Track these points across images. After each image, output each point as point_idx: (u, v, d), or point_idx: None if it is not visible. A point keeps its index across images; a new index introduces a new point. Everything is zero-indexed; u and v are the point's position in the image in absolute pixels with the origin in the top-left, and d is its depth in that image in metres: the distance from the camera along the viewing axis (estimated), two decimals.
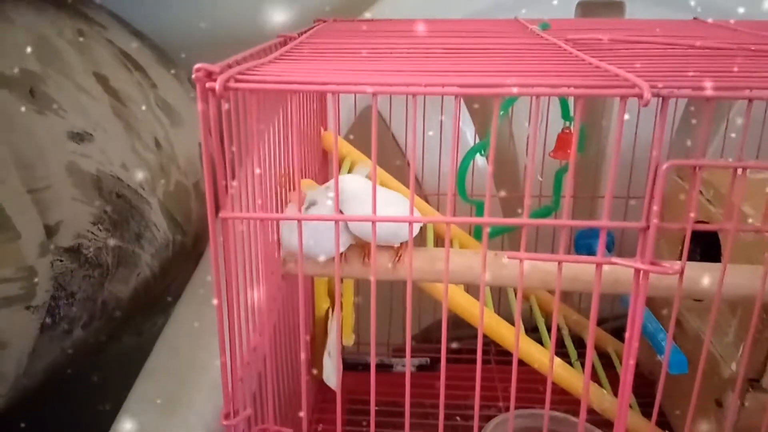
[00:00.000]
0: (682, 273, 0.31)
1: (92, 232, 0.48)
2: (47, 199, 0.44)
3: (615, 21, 0.68)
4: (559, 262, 0.33)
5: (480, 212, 0.65)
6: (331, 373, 0.56)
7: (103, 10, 0.73)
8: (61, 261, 0.46)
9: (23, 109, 0.44)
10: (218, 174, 0.32)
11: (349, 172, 0.65)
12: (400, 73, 0.34)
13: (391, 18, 0.76)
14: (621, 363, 0.67)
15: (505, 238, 0.80)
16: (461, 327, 0.56)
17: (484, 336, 0.53)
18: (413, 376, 0.76)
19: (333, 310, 0.63)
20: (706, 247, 0.60)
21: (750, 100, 0.29)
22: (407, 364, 0.36)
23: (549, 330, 0.62)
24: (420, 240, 0.55)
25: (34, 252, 0.43)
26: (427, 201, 0.77)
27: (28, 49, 0.48)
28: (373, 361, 0.35)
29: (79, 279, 0.48)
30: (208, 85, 0.30)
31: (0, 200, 0.40)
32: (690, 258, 0.65)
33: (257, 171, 0.34)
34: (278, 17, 0.86)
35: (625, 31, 0.55)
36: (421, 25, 0.62)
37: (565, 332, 0.69)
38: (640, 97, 0.29)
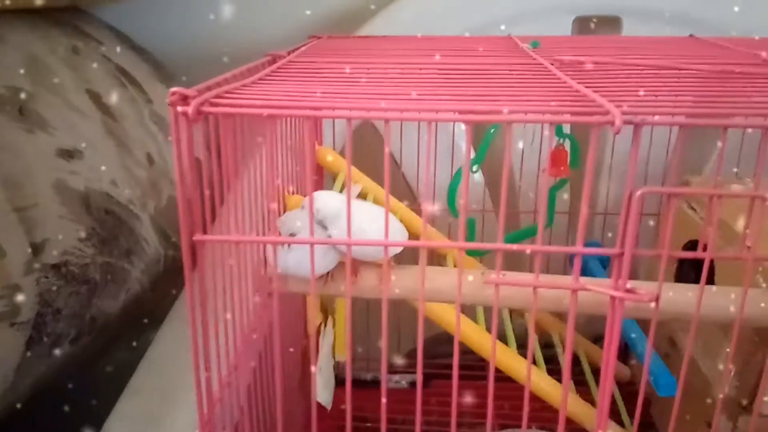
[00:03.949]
0: (657, 300, 0.31)
1: (79, 249, 0.49)
2: (34, 217, 0.44)
3: (608, 38, 0.68)
4: (535, 288, 0.32)
5: (471, 228, 0.64)
6: (322, 390, 0.56)
7: (101, 24, 0.74)
8: (46, 278, 0.46)
9: (12, 127, 0.45)
10: (192, 197, 0.32)
11: (342, 188, 0.65)
12: (380, 97, 0.34)
13: (386, 33, 0.76)
14: (615, 382, 0.67)
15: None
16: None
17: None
18: (405, 392, 0.76)
19: (325, 326, 0.63)
20: (699, 268, 0.59)
21: (725, 129, 0.29)
22: (383, 383, 0.36)
23: (544, 347, 0.61)
24: (412, 253, 0.54)
25: (20, 270, 0.43)
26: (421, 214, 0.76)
27: (19, 68, 0.48)
28: (348, 380, 0.35)
29: (66, 295, 0.48)
30: (180, 109, 0.30)
31: None
32: (685, 279, 0.65)
33: (237, 193, 0.35)
34: (274, 31, 0.87)
35: (615, 50, 0.55)
36: (413, 43, 0.62)
37: (559, 350, 0.69)
38: (611, 124, 0.29)
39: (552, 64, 0.45)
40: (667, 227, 0.30)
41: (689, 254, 0.32)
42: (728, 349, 0.53)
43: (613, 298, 0.31)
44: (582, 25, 0.80)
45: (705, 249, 0.31)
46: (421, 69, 0.45)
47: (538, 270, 0.32)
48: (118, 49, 0.70)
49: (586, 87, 0.35)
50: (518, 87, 0.39)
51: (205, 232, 0.32)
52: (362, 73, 0.41)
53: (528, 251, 0.31)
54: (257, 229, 0.41)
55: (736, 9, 0.76)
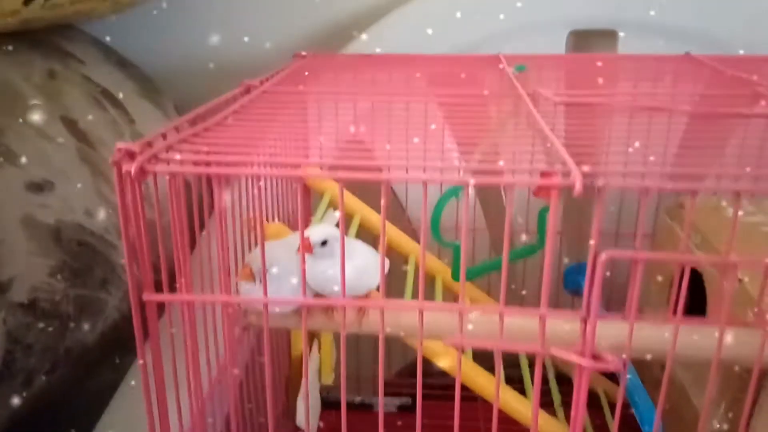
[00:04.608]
0: (625, 366, 0.29)
1: (49, 284, 0.48)
2: (0, 255, 0.43)
3: (598, 59, 0.66)
4: (496, 349, 0.31)
5: (457, 253, 0.63)
6: (305, 414, 0.55)
7: (85, 38, 0.72)
8: (14, 316, 0.45)
9: None
10: (140, 257, 0.31)
11: (328, 207, 0.64)
12: (337, 149, 0.33)
13: (379, 46, 0.75)
14: (609, 405, 0.65)
15: (492, 277, 0.78)
16: None
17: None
18: (395, 416, 0.75)
19: (311, 350, 0.62)
20: (694, 291, 0.58)
21: (693, 194, 0.27)
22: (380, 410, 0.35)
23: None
24: (396, 280, 0.53)
25: None
26: (411, 233, 0.75)
27: None
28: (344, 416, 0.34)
29: (36, 331, 0.48)
30: (124, 169, 0.29)
31: None
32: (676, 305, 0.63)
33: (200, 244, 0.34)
34: (262, 46, 0.86)
35: (600, 76, 0.53)
36: (396, 66, 0.60)
37: (551, 374, 0.67)
38: (572, 187, 0.27)
39: (529, 97, 0.44)
40: (634, 291, 0.29)
41: (651, 318, 0.30)
42: (720, 386, 0.52)
43: (579, 366, 0.30)
44: (577, 39, 0.78)
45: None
46: (396, 99, 0.44)
47: (502, 332, 0.31)
48: (102, 66, 0.69)
49: (557, 134, 0.34)
50: (491, 131, 0.37)
51: (161, 288, 0.31)
52: (334, 106, 0.40)
53: (496, 313, 0.30)
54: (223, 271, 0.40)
55: (733, 24, 0.74)
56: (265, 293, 0.32)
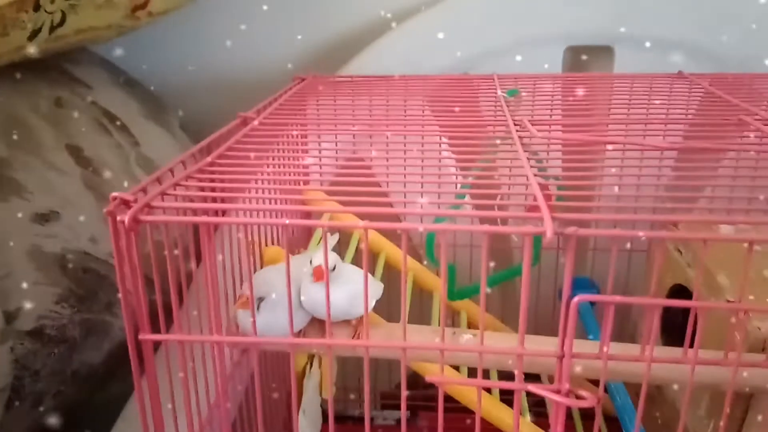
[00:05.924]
0: (599, 402, 0.31)
1: (56, 311, 0.50)
2: (7, 287, 0.45)
3: (594, 77, 0.67)
4: (478, 388, 0.32)
5: (452, 275, 0.64)
6: (310, 430, 0.56)
7: (92, 59, 0.74)
8: (22, 344, 0.47)
9: None
10: (135, 301, 0.32)
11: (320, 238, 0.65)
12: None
13: (376, 66, 0.76)
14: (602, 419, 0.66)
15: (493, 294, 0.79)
16: None
17: None
18: (394, 429, 0.77)
19: (311, 367, 0.63)
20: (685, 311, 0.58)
21: (662, 240, 0.28)
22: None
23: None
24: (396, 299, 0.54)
25: None
26: (410, 251, 0.76)
27: None
28: None
29: (44, 357, 0.49)
30: (119, 218, 0.30)
31: None
32: (672, 317, 0.63)
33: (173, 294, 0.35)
34: (266, 65, 0.88)
35: (593, 99, 0.54)
36: (393, 88, 0.62)
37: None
38: (543, 235, 0.28)
39: (517, 130, 0.45)
40: (606, 333, 0.30)
41: (625, 356, 0.32)
42: (708, 403, 0.52)
43: (555, 402, 0.31)
44: (574, 54, 0.79)
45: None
46: (388, 137, 0.45)
47: (481, 372, 0.32)
48: (108, 89, 0.71)
49: (538, 175, 0.35)
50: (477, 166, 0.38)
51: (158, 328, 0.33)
52: (331, 146, 0.41)
53: (477, 351, 0.31)
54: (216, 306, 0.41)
55: (728, 40, 0.74)
56: (255, 331, 0.33)
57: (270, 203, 0.46)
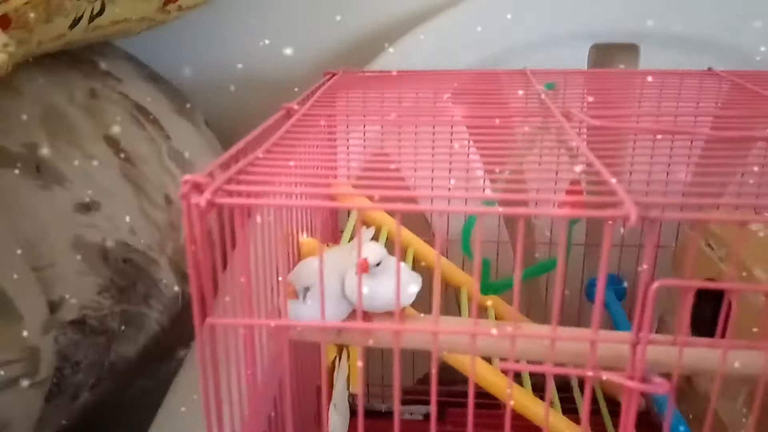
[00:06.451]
0: (673, 389, 0.31)
1: (97, 302, 0.49)
2: (51, 276, 0.45)
3: (623, 74, 0.67)
4: (546, 373, 0.32)
5: (486, 269, 0.64)
6: (337, 426, 0.56)
7: (119, 54, 0.74)
8: (65, 334, 0.47)
9: (29, 186, 0.45)
10: (204, 282, 0.32)
11: (354, 226, 0.65)
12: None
13: (403, 63, 0.76)
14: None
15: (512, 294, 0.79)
16: None
17: None
18: (420, 424, 0.76)
19: (340, 360, 0.63)
20: (717, 303, 0.59)
21: (741, 224, 0.28)
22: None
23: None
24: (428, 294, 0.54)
25: (37, 331, 0.44)
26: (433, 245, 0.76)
27: (37, 121, 0.49)
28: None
29: (85, 348, 0.49)
30: (193, 201, 0.30)
31: (2, 283, 0.41)
32: (701, 314, 0.64)
33: (256, 269, 0.35)
34: (292, 61, 0.87)
35: (629, 93, 0.54)
36: (426, 83, 0.61)
37: (573, 382, 0.69)
38: (626, 219, 0.28)
39: (566, 118, 0.45)
40: (684, 316, 0.30)
41: (703, 340, 0.32)
42: (746, 396, 0.52)
43: (627, 388, 0.31)
44: (599, 52, 0.79)
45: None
46: (435, 127, 0.45)
47: (554, 357, 0.32)
48: (137, 83, 0.70)
49: (601, 154, 0.35)
50: (519, 153, 0.38)
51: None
52: (377, 136, 0.41)
53: (548, 338, 0.31)
54: (268, 293, 0.41)
55: (755, 37, 0.74)
56: (323, 315, 0.33)
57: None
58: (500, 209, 0.29)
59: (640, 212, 0.28)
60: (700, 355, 0.39)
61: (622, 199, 0.29)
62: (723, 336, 0.32)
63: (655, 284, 0.29)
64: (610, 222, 0.28)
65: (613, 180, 0.32)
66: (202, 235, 0.31)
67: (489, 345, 0.42)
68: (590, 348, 0.31)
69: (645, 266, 0.29)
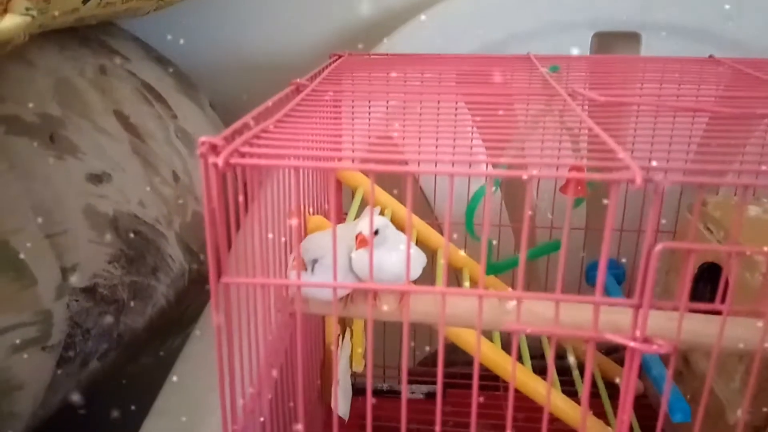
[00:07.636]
0: (675, 350, 0.32)
1: (108, 271, 0.50)
2: (64, 243, 0.46)
3: (626, 60, 0.68)
4: (552, 336, 0.33)
5: (489, 250, 0.65)
6: (341, 402, 0.57)
7: (126, 36, 0.75)
8: (77, 301, 0.47)
9: (43, 155, 0.46)
10: (220, 241, 0.33)
11: (360, 204, 0.66)
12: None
13: (407, 48, 0.77)
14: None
15: (516, 272, 0.80)
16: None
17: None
18: (421, 402, 0.78)
19: (343, 337, 0.64)
20: (715, 283, 0.60)
21: (745, 188, 0.29)
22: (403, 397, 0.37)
23: (557, 358, 0.62)
24: (430, 272, 0.55)
25: (51, 295, 0.44)
26: (438, 228, 0.77)
27: (50, 93, 0.49)
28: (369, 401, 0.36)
29: (95, 316, 0.50)
30: (211, 161, 0.31)
31: (17, 248, 0.42)
32: (699, 296, 0.65)
33: (268, 235, 0.36)
34: (296, 44, 0.88)
35: (632, 77, 0.55)
36: (431, 65, 0.62)
37: (571, 360, 0.70)
38: (631, 182, 0.29)
39: (571, 96, 0.46)
40: (686, 281, 0.31)
41: (704, 306, 0.33)
42: (743, 375, 0.53)
43: (630, 348, 0.32)
44: (601, 41, 0.80)
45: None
46: (439, 102, 0.46)
47: (557, 319, 0.33)
48: (143, 63, 0.71)
49: (605, 130, 0.36)
50: (524, 130, 0.39)
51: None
52: (382, 109, 0.42)
53: (552, 300, 0.32)
54: (280, 258, 0.42)
55: (755, 27, 0.76)
56: (335, 278, 0.34)
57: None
58: (508, 172, 0.30)
59: (644, 176, 0.29)
60: (699, 326, 0.40)
61: (628, 163, 0.30)
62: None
63: (658, 246, 0.30)
64: (616, 185, 0.29)
65: (619, 148, 0.33)
66: (219, 195, 0.32)
67: (494, 317, 0.43)
68: (593, 311, 0.32)
69: (648, 233, 0.30)
